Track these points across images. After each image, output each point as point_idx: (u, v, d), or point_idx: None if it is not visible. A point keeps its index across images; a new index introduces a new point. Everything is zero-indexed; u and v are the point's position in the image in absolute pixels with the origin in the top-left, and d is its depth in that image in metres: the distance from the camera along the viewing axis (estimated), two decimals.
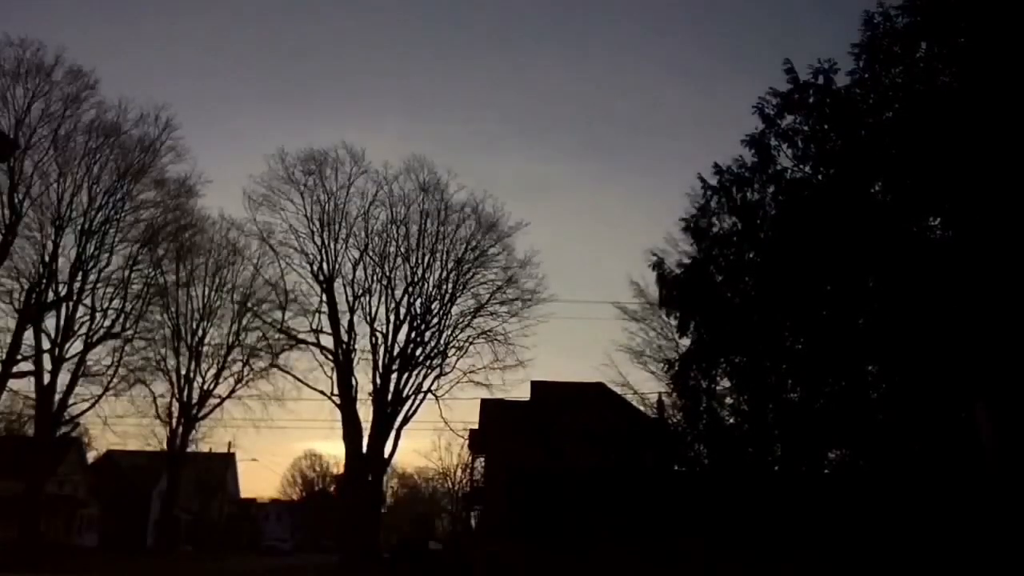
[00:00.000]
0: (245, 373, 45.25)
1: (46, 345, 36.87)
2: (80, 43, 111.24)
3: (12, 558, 30.01)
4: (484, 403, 39.56)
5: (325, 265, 40.57)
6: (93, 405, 38.98)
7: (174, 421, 45.85)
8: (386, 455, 40.38)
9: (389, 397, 39.60)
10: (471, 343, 40.77)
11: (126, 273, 39.57)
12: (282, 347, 41.61)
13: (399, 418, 39.86)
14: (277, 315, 41.50)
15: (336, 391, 39.55)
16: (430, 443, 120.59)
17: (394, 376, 39.92)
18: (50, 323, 37.38)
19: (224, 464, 64.70)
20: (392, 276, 41.13)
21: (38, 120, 36.17)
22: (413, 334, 40.71)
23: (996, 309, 13.28)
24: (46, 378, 36.70)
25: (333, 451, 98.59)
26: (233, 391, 45.83)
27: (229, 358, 45.78)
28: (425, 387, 40.36)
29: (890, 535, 14.82)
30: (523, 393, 38.28)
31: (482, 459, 40.51)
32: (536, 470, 28.87)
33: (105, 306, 39.19)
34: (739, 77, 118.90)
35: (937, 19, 15.55)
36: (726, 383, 20.02)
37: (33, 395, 36.96)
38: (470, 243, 41.24)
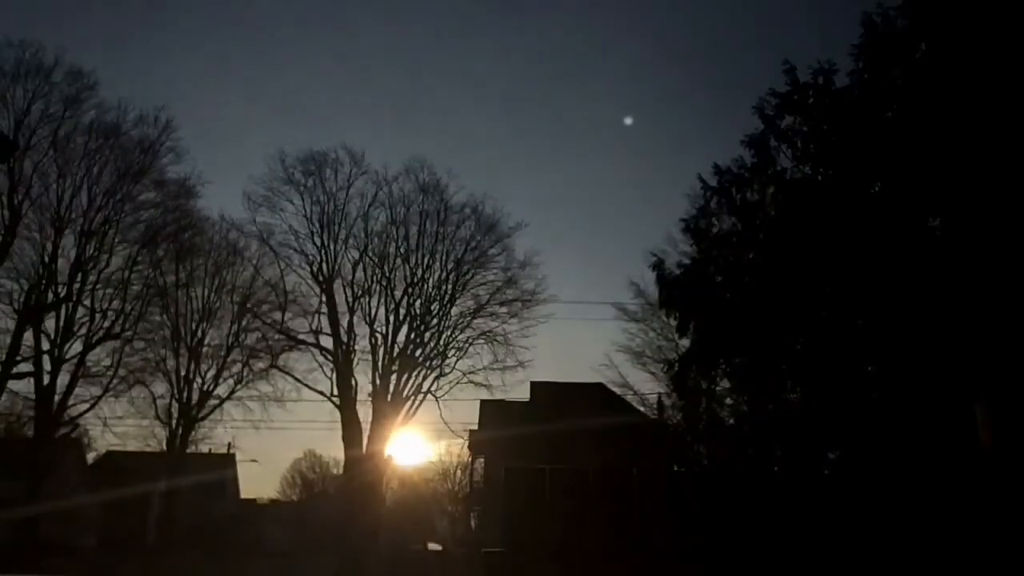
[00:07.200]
0: (245, 374, 45.05)
1: (46, 346, 36.68)
2: (80, 44, 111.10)
3: (11, 559, 30.01)
4: (484, 404, 39.56)
5: (325, 266, 40.48)
6: (93, 406, 38.76)
7: (174, 422, 45.75)
8: (386, 456, 40.36)
9: (389, 398, 39.55)
10: (471, 344, 40.61)
11: (126, 274, 39.37)
12: (282, 348, 41.46)
13: (399, 419, 39.86)
14: (277, 316, 41.32)
15: (336, 392, 39.40)
16: (429, 444, 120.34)
17: (394, 377, 39.79)
18: (50, 324, 37.11)
19: (224, 465, 64.50)
20: (392, 277, 41.03)
21: (38, 121, 36.03)
22: (413, 335, 40.60)
23: (996, 309, 13.29)
24: (46, 379, 36.54)
25: (333, 452, 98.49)
26: (233, 392, 45.65)
27: (229, 359, 45.57)
28: (425, 388, 40.31)
29: (890, 534, 14.82)
30: (523, 394, 38.23)
31: (482, 460, 40.49)
32: (536, 471, 28.86)
33: (105, 307, 38.98)
34: (739, 77, 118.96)
35: (936, 20, 15.58)
36: (726, 383, 20.09)
37: (33, 396, 36.85)
38: (470, 244, 41.17)
